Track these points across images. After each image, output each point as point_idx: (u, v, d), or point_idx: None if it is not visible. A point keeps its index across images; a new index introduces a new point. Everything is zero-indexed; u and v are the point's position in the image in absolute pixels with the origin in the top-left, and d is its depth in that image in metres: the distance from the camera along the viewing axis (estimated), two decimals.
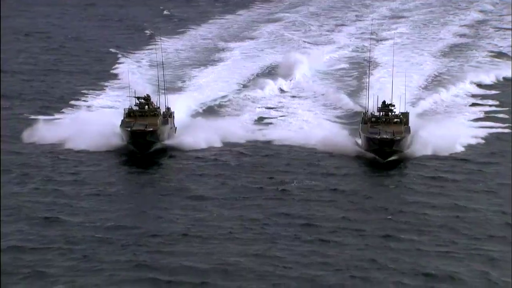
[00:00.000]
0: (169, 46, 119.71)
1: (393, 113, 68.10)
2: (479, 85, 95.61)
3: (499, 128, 76.80)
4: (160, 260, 45.03)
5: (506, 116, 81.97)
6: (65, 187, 58.30)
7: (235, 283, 42.89)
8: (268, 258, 45.86)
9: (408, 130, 66.97)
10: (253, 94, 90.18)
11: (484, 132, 74.19)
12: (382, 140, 62.00)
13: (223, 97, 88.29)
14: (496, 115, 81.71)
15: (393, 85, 75.08)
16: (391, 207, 55.13)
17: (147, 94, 71.93)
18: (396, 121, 66.56)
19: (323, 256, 46.45)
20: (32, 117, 77.41)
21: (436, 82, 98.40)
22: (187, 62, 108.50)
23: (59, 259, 45.48)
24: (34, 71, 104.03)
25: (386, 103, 69.15)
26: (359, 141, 68.33)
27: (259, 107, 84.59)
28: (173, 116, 72.98)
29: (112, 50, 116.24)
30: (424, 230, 50.37)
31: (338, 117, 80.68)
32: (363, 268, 44.50)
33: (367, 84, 78.14)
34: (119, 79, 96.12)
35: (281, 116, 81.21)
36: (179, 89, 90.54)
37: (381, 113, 68.14)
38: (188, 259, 45.74)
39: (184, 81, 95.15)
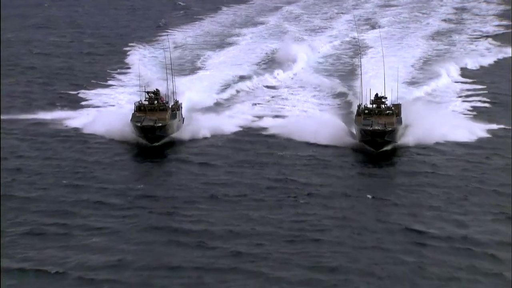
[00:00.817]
0: (180, 35, 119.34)
1: (385, 105, 67.40)
2: (465, 70, 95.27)
3: (484, 110, 76.64)
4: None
5: (490, 100, 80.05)
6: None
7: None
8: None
9: (399, 121, 66.06)
10: (254, 83, 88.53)
11: (473, 119, 72.99)
12: (374, 131, 61.88)
13: (225, 86, 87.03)
14: (481, 99, 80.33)
15: (384, 74, 72.31)
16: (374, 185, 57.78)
17: (156, 89, 71.09)
18: (388, 112, 65.75)
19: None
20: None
21: (424, 68, 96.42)
22: (195, 50, 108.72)
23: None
24: (60, 54, 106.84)
25: (379, 95, 68.27)
26: (354, 131, 67.11)
27: (259, 97, 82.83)
28: (181, 108, 72.07)
29: (127, 38, 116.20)
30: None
31: (333, 106, 79.58)
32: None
33: (360, 78, 75.77)
34: (130, 67, 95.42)
35: (280, 106, 79.13)
36: (190, 72, 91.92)
37: (374, 105, 67.15)
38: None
39: (191, 68, 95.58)
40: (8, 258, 44.80)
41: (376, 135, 62.18)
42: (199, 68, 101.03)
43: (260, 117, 75.58)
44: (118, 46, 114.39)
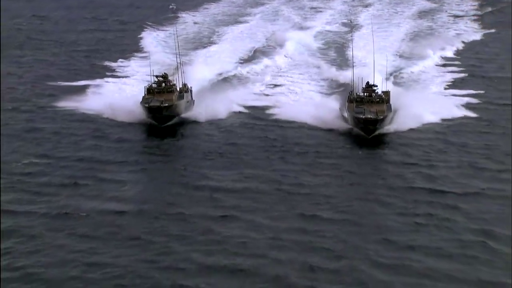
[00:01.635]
0: (190, 19, 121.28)
1: (375, 93, 66.84)
2: (445, 53, 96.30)
3: (468, 97, 76.15)
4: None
5: (471, 83, 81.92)
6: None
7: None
8: None
9: (389, 108, 65.79)
10: (252, 68, 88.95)
11: (456, 102, 74.11)
12: (367, 119, 61.93)
13: (226, 72, 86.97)
14: (462, 83, 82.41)
15: (374, 59, 73.07)
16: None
17: (164, 73, 71.68)
18: (378, 100, 65.66)
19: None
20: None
21: (407, 51, 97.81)
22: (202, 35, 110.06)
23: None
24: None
25: (370, 83, 68.19)
26: (345, 114, 66.51)
27: (257, 82, 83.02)
28: (190, 91, 72.14)
29: (140, 24, 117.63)
30: None
31: (327, 88, 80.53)
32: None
33: (352, 65, 76.46)
34: (145, 51, 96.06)
35: (277, 90, 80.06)
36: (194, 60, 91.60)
37: (365, 93, 66.89)
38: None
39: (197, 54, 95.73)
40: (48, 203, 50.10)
41: (368, 123, 62.25)
42: (210, 44, 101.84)
43: (261, 99, 75.88)
44: (132, 30, 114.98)
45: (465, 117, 70.47)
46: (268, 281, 40.92)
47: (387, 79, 73.42)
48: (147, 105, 64.99)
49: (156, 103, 64.93)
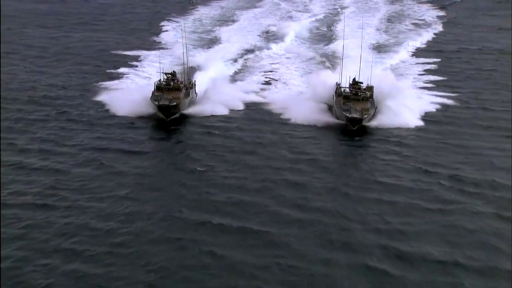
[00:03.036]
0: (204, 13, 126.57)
1: (361, 91, 65.61)
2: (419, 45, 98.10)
3: (444, 96, 75.53)
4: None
5: (443, 78, 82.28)
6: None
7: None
8: None
9: (373, 104, 64.17)
10: (253, 59, 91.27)
11: (432, 100, 74.05)
12: (353, 118, 61.45)
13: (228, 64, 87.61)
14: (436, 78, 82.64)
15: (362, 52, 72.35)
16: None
17: (173, 71, 70.83)
18: (364, 97, 64.43)
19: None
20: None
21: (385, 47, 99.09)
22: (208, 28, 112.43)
23: None
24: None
25: (356, 80, 66.67)
26: (333, 107, 65.55)
27: (255, 75, 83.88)
28: (195, 86, 70.73)
29: (158, 20, 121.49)
30: None
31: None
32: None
33: (342, 60, 75.23)
34: (163, 44, 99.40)
35: (272, 81, 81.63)
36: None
37: (352, 91, 65.94)
38: None
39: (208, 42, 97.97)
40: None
41: (354, 121, 61.71)
42: (214, 43, 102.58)
43: (258, 92, 75.87)
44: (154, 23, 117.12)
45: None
46: None
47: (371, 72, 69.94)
48: (157, 103, 64.41)
49: (165, 102, 64.49)
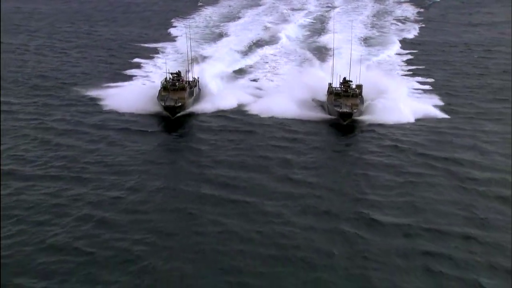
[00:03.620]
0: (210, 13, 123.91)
1: (351, 88, 64.57)
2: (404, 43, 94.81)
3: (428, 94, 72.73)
4: None
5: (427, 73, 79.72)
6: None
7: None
8: None
9: (362, 100, 63.12)
10: (251, 60, 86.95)
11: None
12: (343, 113, 60.42)
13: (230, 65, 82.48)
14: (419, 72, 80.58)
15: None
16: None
17: (178, 70, 68.46)
18: (354, 94, 63.37)
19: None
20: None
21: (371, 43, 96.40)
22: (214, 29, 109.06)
23: None
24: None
25: (346, 79, 65.75)
26: (326, 104, 64.27)
27: (250, 78, 79.43)
28: (198, 83, 68.95)
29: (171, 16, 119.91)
30: None
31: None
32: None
33: (333, 59, 73.95)
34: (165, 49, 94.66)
35: (266, 79, 78.45)
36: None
37: (342, 88, 65.05)
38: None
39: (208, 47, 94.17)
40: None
41: (344, 115, 60.90)
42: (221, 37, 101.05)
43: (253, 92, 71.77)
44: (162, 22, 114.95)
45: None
46: None
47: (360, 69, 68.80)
48: (163, 104, 62.41)
49: (171, 103, 62.03)
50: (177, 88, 65.05)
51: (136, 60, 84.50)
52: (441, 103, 67.25)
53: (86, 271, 35.20)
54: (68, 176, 47.89)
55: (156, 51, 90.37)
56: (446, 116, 63.51)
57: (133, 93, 67.83)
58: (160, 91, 64.77)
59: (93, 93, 69.36)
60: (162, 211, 42.33)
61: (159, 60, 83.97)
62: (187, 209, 42.69)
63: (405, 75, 78.23)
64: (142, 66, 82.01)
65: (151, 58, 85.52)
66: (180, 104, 62.85)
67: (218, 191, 45.34)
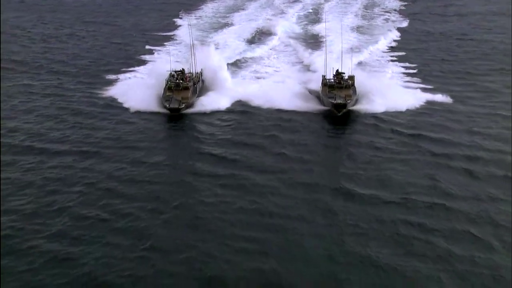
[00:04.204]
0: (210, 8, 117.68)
1: (343, 80, 61.67)
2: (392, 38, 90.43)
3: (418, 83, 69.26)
4: None
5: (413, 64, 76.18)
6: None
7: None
8: None
9: (354, 91, 60.43)
10: (249, 55, 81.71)
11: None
12: (338, 104, 57.70)
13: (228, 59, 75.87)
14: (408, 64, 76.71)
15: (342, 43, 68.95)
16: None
17: (182, 69, 64.37)
18: (346, 85, 60.58)
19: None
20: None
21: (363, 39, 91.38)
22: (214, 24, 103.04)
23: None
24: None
25: (339, 71, 62.94)
26: (320, 96, 61.70)
27: (250, 70, 74.96)
28: (201, 75, 65.09)
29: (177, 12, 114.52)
30: None
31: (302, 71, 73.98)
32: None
33: (325, 52, 70.71)
34: (177, 38, 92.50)
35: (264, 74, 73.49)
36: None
37: (335, 80, 62.00)
38: None
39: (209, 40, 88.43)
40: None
41: (339, 106, 58.18)
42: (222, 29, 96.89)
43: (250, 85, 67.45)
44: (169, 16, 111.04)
45: None
46: None
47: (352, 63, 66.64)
48: (167, 106, 59.22)
49: (175, 105, 58.91)
50: (181, 88, 61.37)
51: (148, 47, 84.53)
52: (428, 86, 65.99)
53: (95, 234, 36.85)
54: (81, 151, 48.86)
55: (167, 39, 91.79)
56: (432, 99, 62.85)
57: (141, 89, 64.81)
58: (165, 90, 61.21)
59: (111, 76, 70.19)
60: (166, 183, 43.33)
61: (171, 47, 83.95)
62: (189, 181, 43.44)
63: (392, 60, 78.04)
64: (153, 52, 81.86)
65: (163, 45, 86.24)
66: (183, 105, 59.45)
67: (217, 166, 45.99)
